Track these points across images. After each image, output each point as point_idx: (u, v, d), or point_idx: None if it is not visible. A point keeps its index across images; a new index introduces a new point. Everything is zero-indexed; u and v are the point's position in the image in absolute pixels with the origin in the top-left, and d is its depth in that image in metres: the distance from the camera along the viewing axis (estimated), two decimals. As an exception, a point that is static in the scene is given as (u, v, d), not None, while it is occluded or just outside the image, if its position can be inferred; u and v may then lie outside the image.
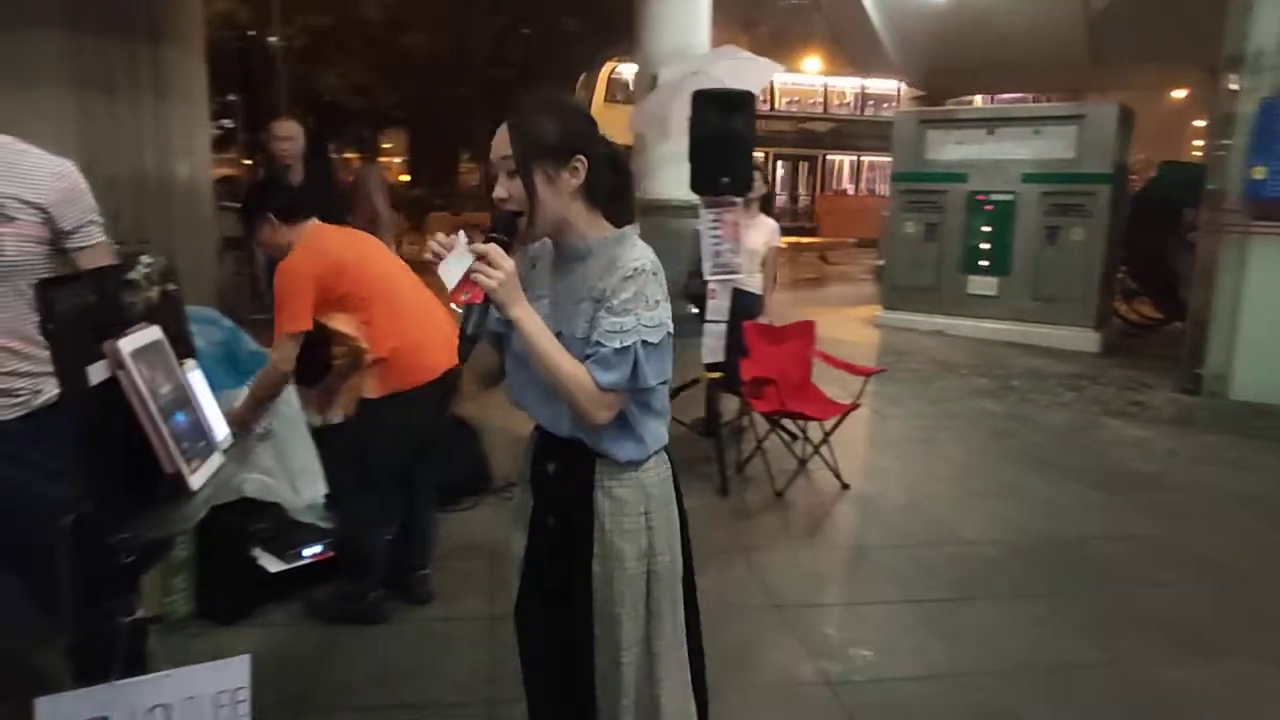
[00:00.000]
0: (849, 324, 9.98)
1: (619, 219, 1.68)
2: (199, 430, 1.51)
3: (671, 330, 1.63)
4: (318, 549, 3.31)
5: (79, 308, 1.30)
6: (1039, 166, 8.86)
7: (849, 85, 27.12)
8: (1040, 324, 8.87)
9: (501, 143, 1.60)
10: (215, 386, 3.08)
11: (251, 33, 22.32)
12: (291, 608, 3.23)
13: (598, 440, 1.66)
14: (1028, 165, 8.91)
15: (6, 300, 1.85)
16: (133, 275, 1.45)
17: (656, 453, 1.73)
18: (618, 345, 1.56)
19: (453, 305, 1.51)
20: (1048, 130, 8.91)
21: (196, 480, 1.43)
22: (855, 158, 28.17)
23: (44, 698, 1.40)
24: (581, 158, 1.60)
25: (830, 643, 3.21)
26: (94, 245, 1.97)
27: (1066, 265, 8.77)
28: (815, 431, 4.88)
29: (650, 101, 5.52)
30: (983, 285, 9.31)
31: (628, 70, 19.26)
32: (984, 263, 9.27)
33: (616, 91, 21.89)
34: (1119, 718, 2.82)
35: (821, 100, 27.33)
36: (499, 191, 1.60)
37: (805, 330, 5.18)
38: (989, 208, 9.18)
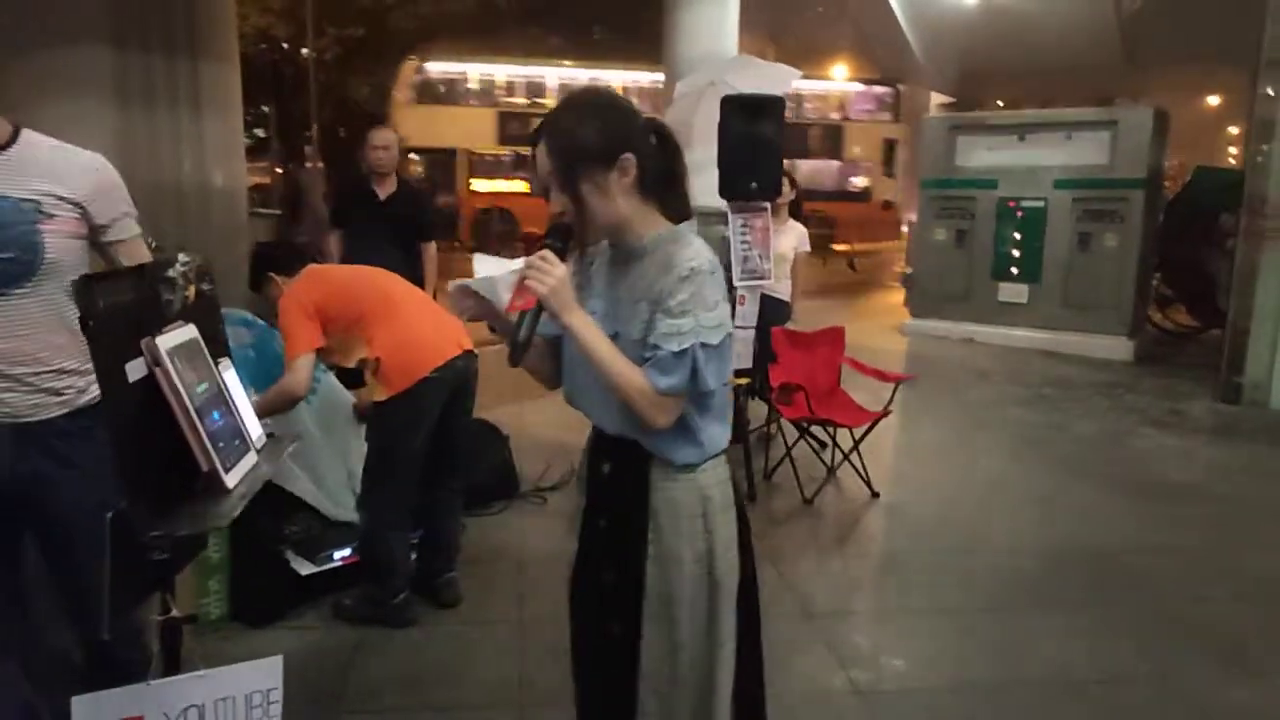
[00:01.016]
0: (877, 332, 9.90)
1: (675, 211, 1.64)
2: (234, 429, 1.52)
3: (731, 330, 1.59)
4: (347, 551, 3.32)
5: (118, 304, 1.31)
6: (1071, 172, 8.75)
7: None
8: (1072, 332, 8.75)
9: (543, 158, 1.57)
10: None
11: (285, 45, 22.64)
12: (322, 610, 3.24)
13: (655, 442, 1.62)
14: (1060, 171, 8.80)
15: (55, 298, 1.87)
16: (170, 273, 1.46)
17: (714, 456, 1.68)
18: (676, 348, 1.51)
19: (508, 314, 1.50)
20: (1080, 136, 8.80)
21: (232, 479, 1.44)
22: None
23: (80, 696, 1.40)
24: (629, 155, 1.55)
25: (861, 651, 3.17)
26: (130, 239, 1.98)
27: (1099, 272, 8.64)
28: (844, 439, 4.83)
29: (672, 111, 5.52)
30: (1013, 293, 9.20)
31: (435, 69, 18.61)
32: (1014, 270, 9.16)
33: (425, 93, 21.19)
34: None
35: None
36: (553, 206, 1.57)
37: (835, 336, 5.14)
38: (1020, 214, 9.08)
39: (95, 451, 1.95)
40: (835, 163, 22.81)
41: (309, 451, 3.37)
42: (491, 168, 21.96)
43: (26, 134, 1.88)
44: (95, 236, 1.92)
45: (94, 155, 1.94)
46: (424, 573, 3.30)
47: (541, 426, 5.54)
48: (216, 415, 1.48)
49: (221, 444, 1.46)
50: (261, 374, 3.19)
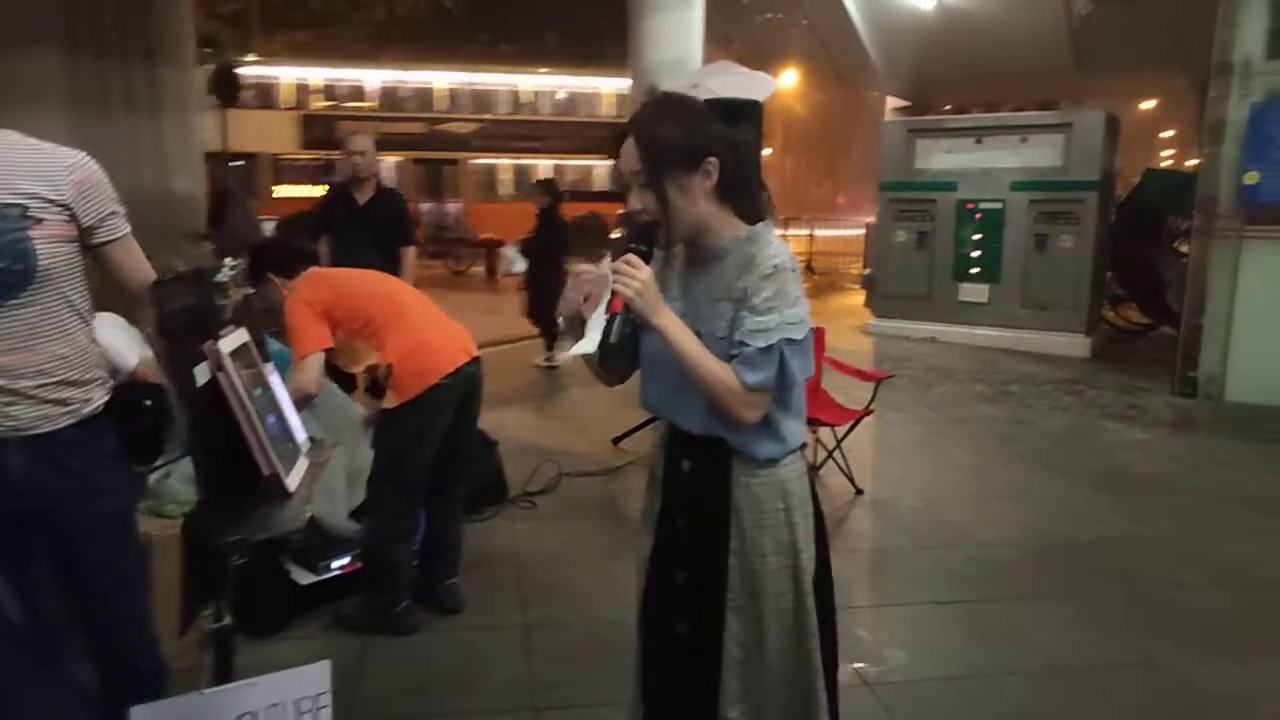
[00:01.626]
0: (841, 332, 10.03)
1: (750, 214, 1.68)
2: (287, 433, 1.50)
3: (812, 326, 1.63)
4: (346, 560, 3.28)
5: (185, 308, 1.29)
6: (1027, 175, 8.99)
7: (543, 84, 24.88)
8: (1031, 330, 8.98)
9: (629, 156, 1.60)
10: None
11: (232, 52, 22.26)
12: (323, 620, 3.19)
13: (740, 438, 1.65)
14: (1016, 174, 9.04)
15: (54, 307, 1.81)
16: (221, 278, 1.44)
17: (793, 451, 1.72)
18: (763, 344, 1.55)
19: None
20: (1035, 139, 9.04)
21: (291, 482, 1.42)
22: (514, 160, 24.21)
23: (139, 706, 1.38)
24: (713, 159, 1.60)
25: (864, 644, 3.21)
26: (122, 238, 1.90)
27: (1056, 272, 8.88)
28: (827, 437, 4.90)
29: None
30: (974, 292, 9.41)
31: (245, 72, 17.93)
32: (975, 270, 9.37)
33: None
34: (1161, 717, 2.83)
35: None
36: (633, 204, 1.61)
37: (815, 337, 5.19)
38: (979, 216, 9.29)
39: (107, 462, 1.90)
40: None
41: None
42: (296, 173, 21.24)
43: (2, 134, 1.79)
44: (86, 239, 1.84)
45: (74, 151, 1.84)
46: (426, 579, 3.27)
47: (522, 431, 5.54)
48: (272, 419, 1.46)
49: (278, 448, 1.44)
50: None
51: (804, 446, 1.79)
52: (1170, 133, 38.93)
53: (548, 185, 8.38)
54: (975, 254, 9.35)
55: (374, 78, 23.61)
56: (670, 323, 1.57)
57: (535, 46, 28.24)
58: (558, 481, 4.67)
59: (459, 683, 2.89)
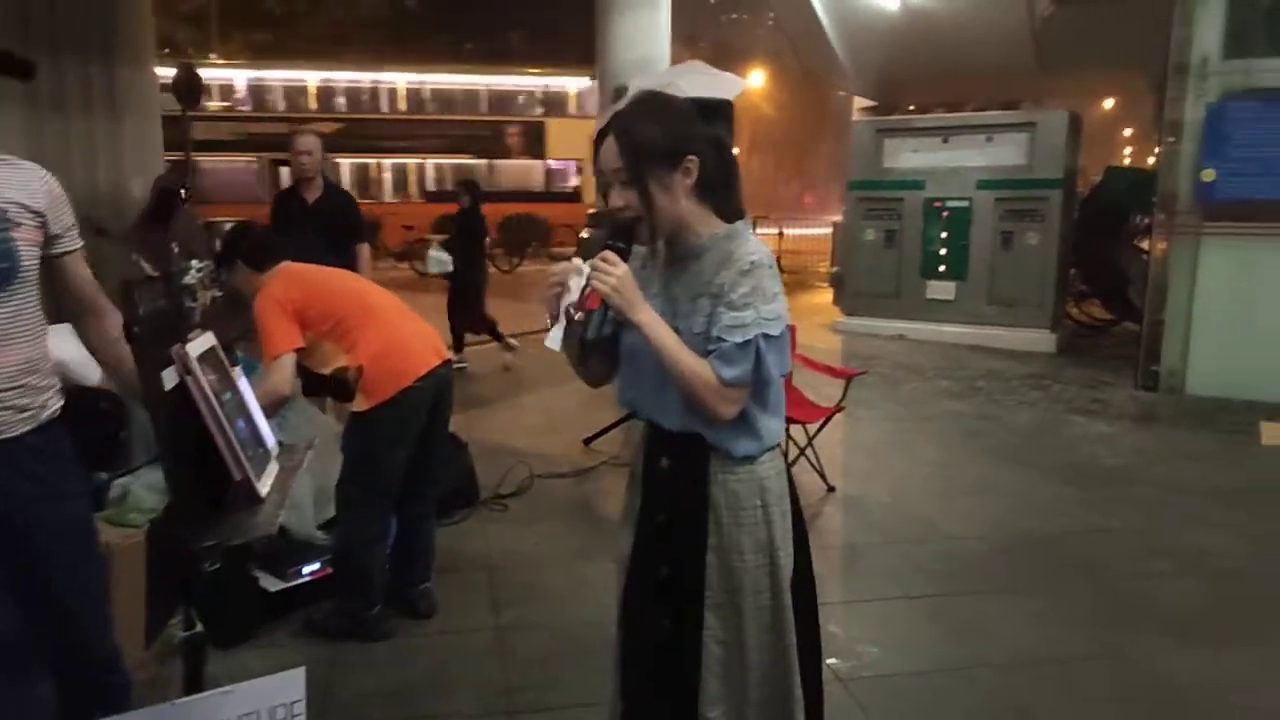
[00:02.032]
0: (810, 330, 10.10)
1: (728, 212, 1.70)
2: (257, 437, 1.48)
3: (789, 323, 1.65)
4: (316, 566, 3.24)
5: (156, 311, 1.27)
6: (993, 173, 9.10)
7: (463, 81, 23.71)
8: (998, 327, 9.09)
9: (610, 154, 1.62)
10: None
11: (190, 52, 21.95)
12: (292, 627, 3.15)
13: (717, 435, 1.66)
14: (982, 172, 9.15)
15: (26, 309, 1.80)
16: (189, 280, 1.41)
17: (771, 448, 1.73)
18: (740, 340, 1.57)
19: (575, 315, 1.53)
20: (1001, 138, 9.16)
21: (263, 486, 1.40)
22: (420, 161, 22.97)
23: (110, 719, 1.35)
24: (693, 158, 1.62)
25: (836, 640, 3.23)
26: (78, 250, 1.93)
27: (1022, 269, 9.01)
28: (798, 435, 4.93)
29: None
30: (941, 290, 9.51)
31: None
32: (942, 268, 9.48)
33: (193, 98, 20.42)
34: (1131, 710, 2.88)
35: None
36: (616, 201, 1.63)
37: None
38: (945, 214, 9.39)
39: (67, 467, 1.88)
40: (541, 163, 21.85)
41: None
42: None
43: None
44: (48, 248, 1.87)
45: (37, 165, 1.89)
46: (399, 584, 3.24)
47: (492, 434, 5.51)
48: (242, 423, 1.44)
49: (249, 452, 1.42)
50: None
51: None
52: (1130, 131, 39.67)
53: (470, 185, 8.39)
54: (942, 252, 9.46)
55: (242, 76, 22.54)
56: (649, 318, 1.58)
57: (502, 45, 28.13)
58: (530, 483, 4.65)
59: (432, 687, 2.87)
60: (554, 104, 23.52)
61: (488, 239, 8.42)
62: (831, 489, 4.79)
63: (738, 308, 1.58)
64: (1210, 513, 4.57)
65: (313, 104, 22.44)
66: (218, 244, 3.19)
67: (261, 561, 3.17)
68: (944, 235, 9.43)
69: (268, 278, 2.97)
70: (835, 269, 11.84)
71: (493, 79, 23.79)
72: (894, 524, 4.40)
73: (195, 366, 1.31)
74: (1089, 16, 10.06)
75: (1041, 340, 8.90)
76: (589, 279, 1.54)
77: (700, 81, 4.97)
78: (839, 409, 4.77)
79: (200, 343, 1.39)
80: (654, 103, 1.68)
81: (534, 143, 22.05)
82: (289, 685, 1.53)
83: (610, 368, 1.81)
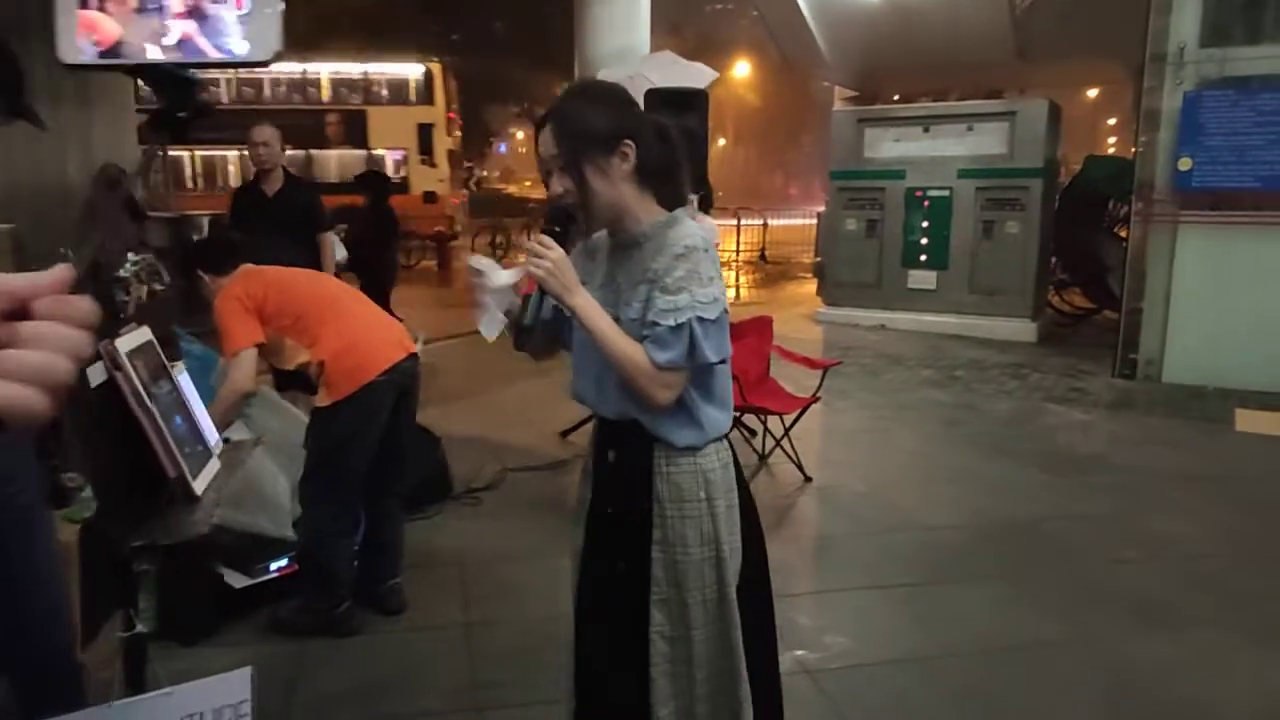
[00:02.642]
0: (791, 320, 10.11)
1: (670, 200, 1.69)
2: (196, 434, 1.45)
3: (727, 308, 1.63)
4: (284, 562, 3.21)
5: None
6: (974, 162, 9.09)
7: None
8: (979, 316, 9.11)
9: (547, 141, 1.62)
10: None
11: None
12: (258, 624, 3.12)
13: (656, 423, 1.66)
14: (963, 161, 9.14)
15: None
16: (123, 273, 1.38)
17: (717, 440, 1.72)
18: (673, 323, 1.56)
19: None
20: (981, 127, 9.15)
21: (199, 485, 1.37)
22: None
23: (46, 720, 1.33)
24: (629, 142, 1.61)
25: (805, 631, 3.23)
26: None
27: (1003, 258, 9.02)
28: (775, 426, 4.92)
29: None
30: (922, 280, 9.52)
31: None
32: (923, 257, 9.48)
33: None
34: (1093, 693, 2.89)
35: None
36: (554, 187, 1.62)
37: (763, 326, 5.22)
38: (927, 204, 9.39)
39: (15, 457, 1.85)
40: (363, 152, 20.58)
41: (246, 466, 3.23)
42: None
43: None
44: None
45: None
46: (367, 580, 3.21)
47: (468, 426, 5.48)
48: (178, 420, 1.41)
49: (186, 450, 1.40)
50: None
51: (729, 436, 1.79)
52: (1114, 120, 39.86)
53: (372, 179, 8.23)
54: (924, 241, 9.46)
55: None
56: (584, 303, 1.58)
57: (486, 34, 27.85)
58: (502, 477, 4.62)
59: (399, 685, 2.85)
60: (378, 93, 22.62)
61: (398, 235, 8.15)
62: (808, 479, 4.79)
63: (671, 291, 1.57)
64: (1182, 499, 4.59)
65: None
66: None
67: (228, 557, 3.14)
68: (925, 225, 9.43)
69: (227, 279, 2.96)
70: (818, 259, 11.84)
71: (315, 66, 22.21)
72: (869, 513, 4.40)
73: (125, 362, 1.28)
74: (1068, 6, 10.07)
75: (1023, 329, 8.93)
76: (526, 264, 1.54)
77: (671, 72, 4.96)
78: (814, 399, 4.76)
79: (133, 338, 1.36)
80: (590, 89, 1.69)
81: (355, 131, 20.95)
82: (234, 686, 1.51)
83: (553, 348, 1.83)
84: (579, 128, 1.60)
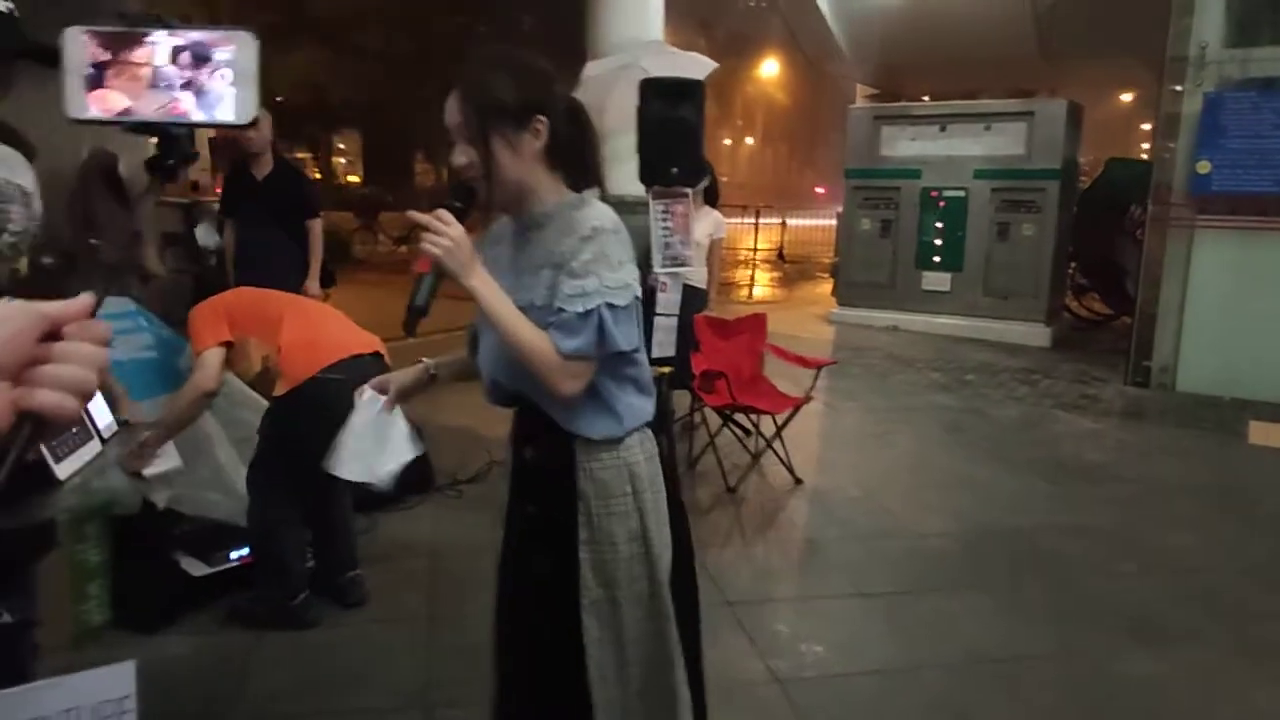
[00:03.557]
0: (804, 320, 9.98)
1: (579, 182, 1.59)
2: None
3: (639, 293, 1.54)
4: (245, 551, 3.15)
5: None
6: (990, 163, 8.91)
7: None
8: (992, 319, 8.93)
9: (452, 109, 1.51)
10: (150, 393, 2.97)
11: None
12: (217, 613, 3.07)
13: (569, 417, 1.57)
14: (979, 161, 8.96)
15: None
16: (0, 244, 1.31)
17: (639, 429, 1.63)
18: (580, 309, 1.46)
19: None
20: (999, 126, 8.96)
21: (64, 470, 1.30)
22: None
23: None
24: (542, 118, 1.51)
25: (780, 639, 3.13)
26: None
27: (1018, 261, 8.83)
28: (768, 426, 4.81)
29: (580, 93, 5.41)
30: (936, 281, 9.34)
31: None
32: (937, 259, 9.31)
33: None
34: (1073, 710, 2.77)
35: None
36: (458, 158, 1.51)
37: (757, 324, 5.11)
38: (942, 204, 9.22)
39: None
40: None
41: (210, 453, 3.18)
42: None
43: None
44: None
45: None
46: (327, 571, 3.15)
47: (457, 418, 5.40)
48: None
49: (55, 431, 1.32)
50: (167, 378, 3.06)
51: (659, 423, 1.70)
52: (1147, 126, 39.16)
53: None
54: (938, 242, 9.29)
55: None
56: (483, 285, 1.46)
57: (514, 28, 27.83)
58: (488, 469, 4.54)
59: (351, 680, 2.78)
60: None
61: None
62: (799, 482, 4.68)
63: (579, 275, 1.47)
64: (1185, 512, 4.43)
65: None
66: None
67: (186, 545, 3.08)
68: (940, 225, 9.25)
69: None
70: (836, 259, 11.68)
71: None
72: (859, 518, 4.28)
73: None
74: (1092, 6, 9.84)
75: (1036, 334, 8.74)
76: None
77: (666, 62, 4.85)
78: (807, 399, 4.64)
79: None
80: (506, 57, 1.56)
81: None
82: (118, 680, 1.43)
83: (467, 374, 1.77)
84: (489, 98, 1.48)
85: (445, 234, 1.41)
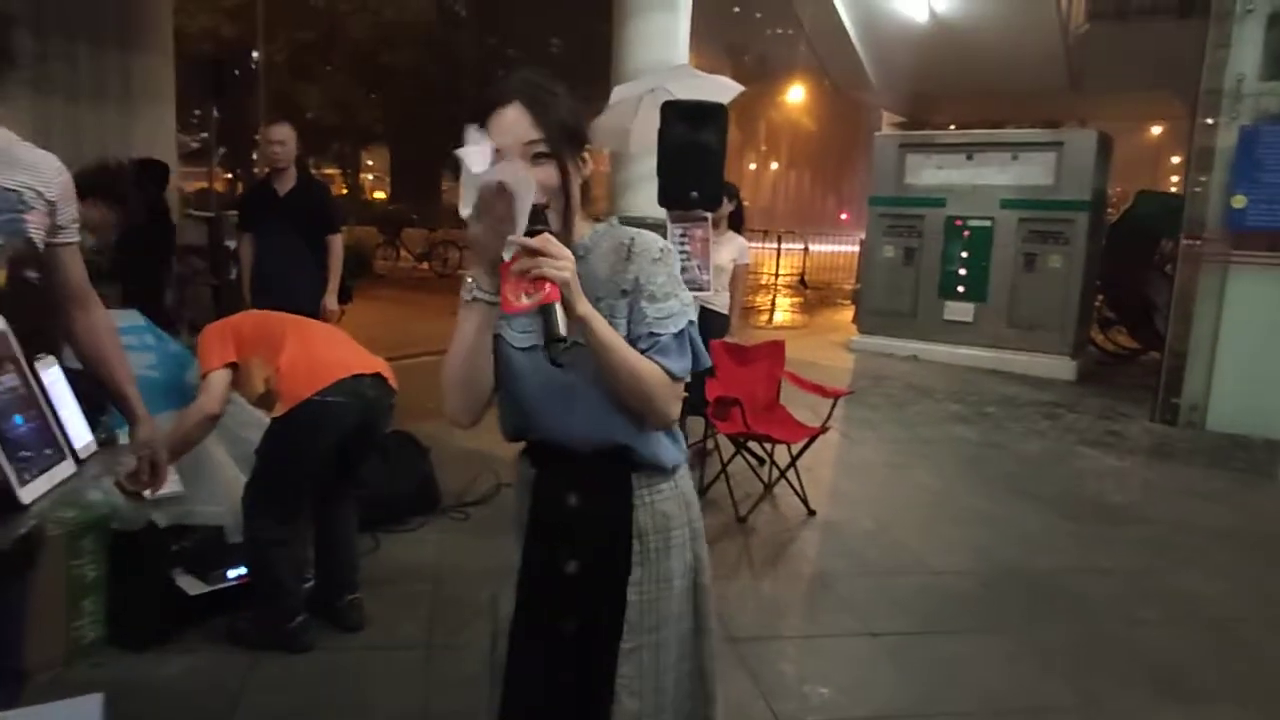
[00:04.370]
0: (824, 347, 9.88)
1: (590, 211, 1.54)
2: (45, 437, 1.33)
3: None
4: (243, 570, 3.10)
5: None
6: (1017, 192, 8.80)
7: None
8: (1016, 351, 8.78)
9: (521, 125, 1.36)
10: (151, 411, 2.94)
11: (232, 49, 22.18)
12: (212, 633, 3.01)
13: (646, 446, 1.48)
14: (1006, 191, 8.85)
15: None
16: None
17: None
18: (675, 329, 1.42)
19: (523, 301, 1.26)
20: (1026, 156, 8.85)
21: (29, 494, 1.25)
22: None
23: None
24: (590, 148, 1.46)
25: (785, 679, 3.03)
26: (75, 243, 1.87)
27: (1044, 293, 8.69)
28: (782, 455, 4.72)
29: (607, 116, 5.38)
30: (959, 311, 9.22)
31: None
32: (961, 289, 9.19)
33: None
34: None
35: None
36: (511, 174, 1.31)
37: (774, 351, 5.03)
38: (967, 234, 9.11)
39: None
40: None
41: (212, 469, 3.15)
42: None
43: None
44: (51, 236, 1.80)
45: (52, 155, 1.82)
46: (326, 593, 3.10)
47: (467, 438, 5.32)
48: (19, 420, 1.29)
49: (25, 453, 1.27)
50: (170, 396, 3.03)
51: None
52: (1177, 159, 38.83)
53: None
54: (962, 272, 9.17)
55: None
56: (594, 313, 1.33)
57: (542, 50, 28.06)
58: (495, 491, 4.47)
59: (343, 708, 2.71)
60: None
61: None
62: (812, 513, 4.57)
63: (661, 299, 1.42)
64: (1213, 557, 4.28)
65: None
66: None
67: (183, 563, 3.04)
68: (964, 255, 9.14)
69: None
70: (858, 286, 11.59)
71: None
72: (873, 553, 4.17)
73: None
74: (1124, 36, 9.75)
75: (1061, 367, 8.58)
76: (529, 269, 1.26)
77: (691, 85, 4.81)
78: (823, 429, 4.55)
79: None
80: (558, 81, 1.45)
81: None
82: (84, 712, 1.37)
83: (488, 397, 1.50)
84: (566, 116, 1.40)
85: (566, 257, 1.27)
